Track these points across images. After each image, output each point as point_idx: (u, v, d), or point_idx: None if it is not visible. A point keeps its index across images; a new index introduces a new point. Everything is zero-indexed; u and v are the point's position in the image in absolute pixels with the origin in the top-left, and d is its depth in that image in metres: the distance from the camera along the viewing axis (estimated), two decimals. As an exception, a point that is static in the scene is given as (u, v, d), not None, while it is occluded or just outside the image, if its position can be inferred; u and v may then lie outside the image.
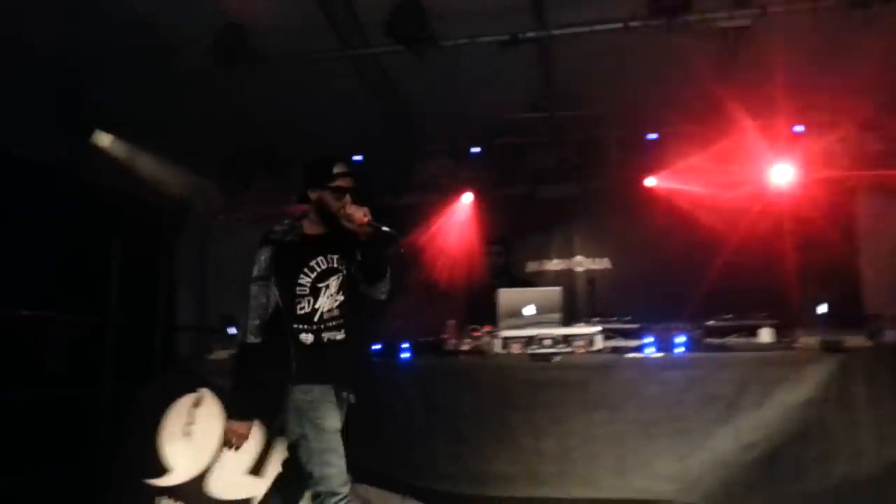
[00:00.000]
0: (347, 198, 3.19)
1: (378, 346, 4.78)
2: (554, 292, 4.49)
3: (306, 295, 3.13)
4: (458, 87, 5.79)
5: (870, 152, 6.29)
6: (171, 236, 6.98)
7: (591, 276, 6.81)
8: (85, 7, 4.38)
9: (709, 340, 4.26)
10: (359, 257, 3.25)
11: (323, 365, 3.11)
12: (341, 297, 3.21)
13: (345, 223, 3.17)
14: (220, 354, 5.06)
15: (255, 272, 3.16)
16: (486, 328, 4.45)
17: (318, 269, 3.18)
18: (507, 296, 4.45)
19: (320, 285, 3.16)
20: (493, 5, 4.80)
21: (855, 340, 4.19)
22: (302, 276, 3.14)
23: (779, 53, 4.99)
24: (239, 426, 3.12)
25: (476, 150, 6.71)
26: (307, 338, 3.10)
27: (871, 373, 3.86)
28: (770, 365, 3.93)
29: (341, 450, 3.05)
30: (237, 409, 3.20)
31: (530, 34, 4.90)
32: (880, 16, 4.25)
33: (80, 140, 5.68)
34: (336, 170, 3.23)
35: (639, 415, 4.03)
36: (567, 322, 4.48)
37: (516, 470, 4.03)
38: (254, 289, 3.15)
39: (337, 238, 3.24)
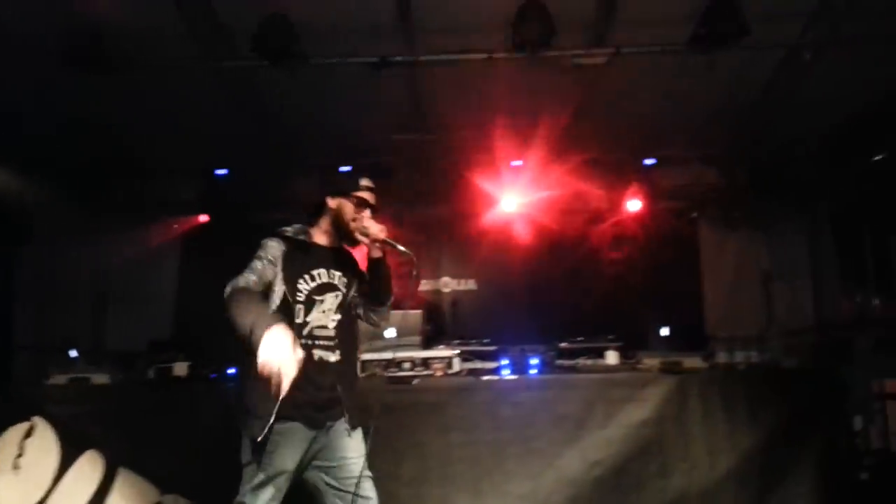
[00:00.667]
0: (367, 212, 3.01)
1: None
2: (414, 315, 4.52)
3: (301, 303, 2.88)
4: (329, 104, 5.75)
5: (713, 185, 6.82)
6: (10, 248, 6.43)
7: (456, 297, 6.92)
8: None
9: (560, 362, 4.42)
10: (365, 278, 3.04)
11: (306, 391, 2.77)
12: (338, 317, 2.95)
13: (358, 236, 2.96)
14: (59, 379, 4.68)
15: (259, 253, 2.87)
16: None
17: (318, 281, 2.94)
18: (367, 318, 4.41)
19: (316, 298, 2.91)
20: (364, 26, 4.82)
21: (692, 362, 4.52)
22: (301, 281, 2.90)
23: (631, 90, 5.36)
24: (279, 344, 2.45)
25: (346, 168, 6.66)
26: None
27: (705, 392, 4.16)
28: (615, 386, 4.14)
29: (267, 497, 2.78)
30: (263, 325, 2.50)
31: (398, 58, 4.96)
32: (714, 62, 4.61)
33: None
34: (363, 182, 3.06)
35: (494, 436, 4.12)
36: (428, 345, 4.52)
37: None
38: (253, 263, 2.84)
39: (344, 255, 3.08)
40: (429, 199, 7.01)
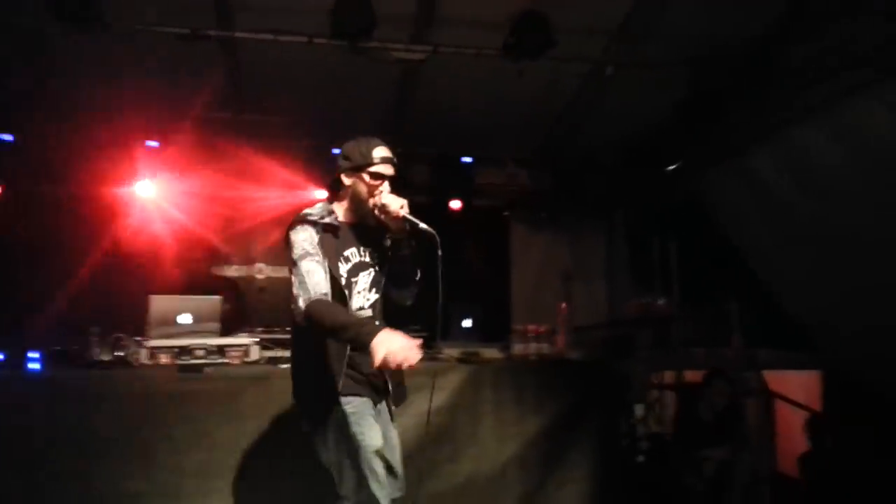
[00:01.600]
0: (385, 186, 2.78)
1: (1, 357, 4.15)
2: (212, 301, 4.32)
3: (343, 287, 2.72)
4: (134, 73, 5.35)
5: (524, 187, 7.17)
6: None
7: (269, 283, 6.74)
8: None
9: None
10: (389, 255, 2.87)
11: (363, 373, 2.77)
12: (374, 296, 2.86)
13: (378, 213, 2.76)
14: None
15: (301, 250, 2.66)
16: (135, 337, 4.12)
17: (353, 261, 2.80)
18: (159, 303, 4.16)
19: (352, 280, 2.78)
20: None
21: (490, 353, 4.73)
22: (339, 264, 2.75)
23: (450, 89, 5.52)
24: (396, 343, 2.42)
25: (153, 143, 6.25)
26: None
27: (498, 382, 4.36)
28: (413, 374, 4.19)
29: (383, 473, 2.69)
30: (366, 334, 2.45)
31: (211, 32, 4.73)
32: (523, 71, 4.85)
33: None
34: (377, 153, 2.78)
35: (290, 424, 4.03)
36: (228, 332, 4.35)
37: (153, 488, 3.76)
38: (305, 265, 2.63)
39: (372, 231, 2.87)
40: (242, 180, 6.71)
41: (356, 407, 2.71)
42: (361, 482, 2.65)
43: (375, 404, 2.85)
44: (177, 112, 5.74)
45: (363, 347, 2.43)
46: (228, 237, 6.95)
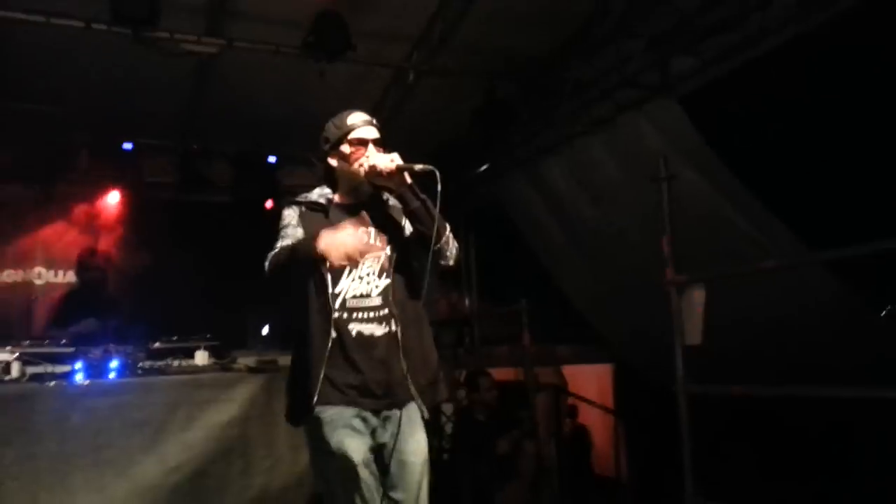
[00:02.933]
0: (371, 148, 2.47)
1: None
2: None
3: (328, 270, 2.39)
4: None
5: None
6: None
7: (49, 290, 6.12)
8: None
9: (148, 364, 4.14)
10: (406, 223, 2.52)
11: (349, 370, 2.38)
12: (384, 282, 2.45)
13: (374, 181, 2.46)
14: None
15: (283, 224, 2.51)
16: None
17: None
18: None
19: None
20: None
21: (286, 359, 4.59)
22: None
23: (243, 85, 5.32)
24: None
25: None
26: (326, 331, 2.37)
27: (293, 389, 4.25)
28: (200, 387, 4.02)
29: (368, 492, 2.31)
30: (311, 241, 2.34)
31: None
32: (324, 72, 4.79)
33: None
34: (351, 119, 2.52)
35: (58, 448, 3.69)
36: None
37: None
38: (287, 230, 2.49)
39: (379, 209, 2.55)
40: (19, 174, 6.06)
41: (330, 416, 2.37)
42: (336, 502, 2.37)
43: (377, 412, 2.42)
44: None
45: (310, 254, 2.32)
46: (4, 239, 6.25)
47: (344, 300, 2.43)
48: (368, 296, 2.45)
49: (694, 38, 4.27)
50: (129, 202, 6.46)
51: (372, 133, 2.54)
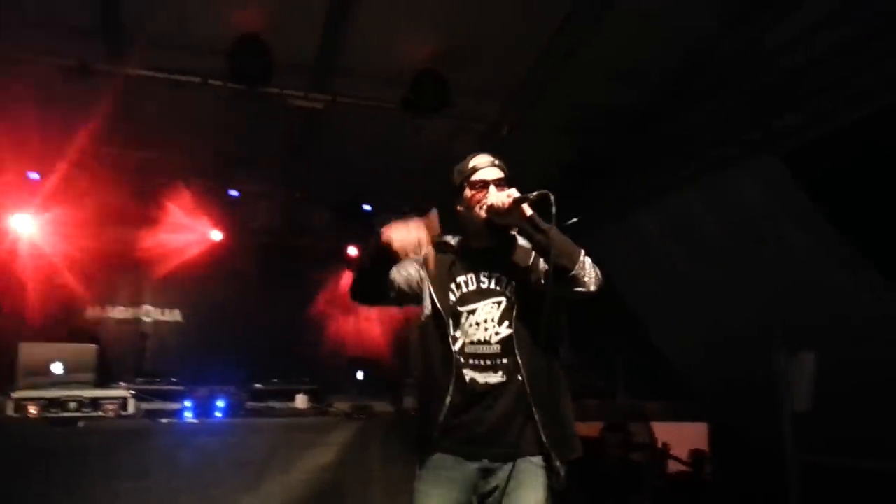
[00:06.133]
0: (492, 189, 2.39)
1: None
2: (87, 349, 4.11)
3: (450, 315, 2.38)
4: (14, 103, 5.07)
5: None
6: None
7: (157, 328, 6.47)
8: None
9: (250, 405, 4.31)
10: (537, 263, 2.40)
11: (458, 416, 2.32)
12: (505, 331, 2.36)
13: (497, 220, 2.37)
14: None
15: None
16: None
17: (465, 290, 2.42)
18: (30, 351, 3.93)
19: (462, 309, 2.39)
20: (62, 25, 4.37)
21: (381, 406, 4.70)
22: (450, 292, 2.42)
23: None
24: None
25: (34, 175, 5.93)
26: (443, 375, 2.34)
27: (386, 436, 4.33)
28: (300, 430, 4.14)
29: None
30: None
31: (102, 67, 4.57)
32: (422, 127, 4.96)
33: None
34: (472, 163, 2.48)
35: (168, 484, 3.86)
36: (106, 382, 4.14)
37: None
38: (406, 262, 2.45)
39: (505, 252, 2.46)
40: (130, 218, 6.46)
41: (431, 461, 2.37)
42: None
43: (482, 461, 2.35)
44: (61, 145, 5.47)
45: (379, 249, 2.29)
46: (111, 278, 6.66)
47: (462, 345, 2.38)
48: (487, 342, 2.37)
49: (800, 95, 4.20)
50: (230, 244, 6.78)
51: (494, 174, 2.46)
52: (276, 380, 4.54)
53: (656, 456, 5.68)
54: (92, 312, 6.60)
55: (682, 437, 6.62)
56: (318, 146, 5.90)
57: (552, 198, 2.26)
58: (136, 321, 6.71)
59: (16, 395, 3.78)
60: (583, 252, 2.32)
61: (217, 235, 6.70)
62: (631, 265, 5.81)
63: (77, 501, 3.72)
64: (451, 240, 2.54)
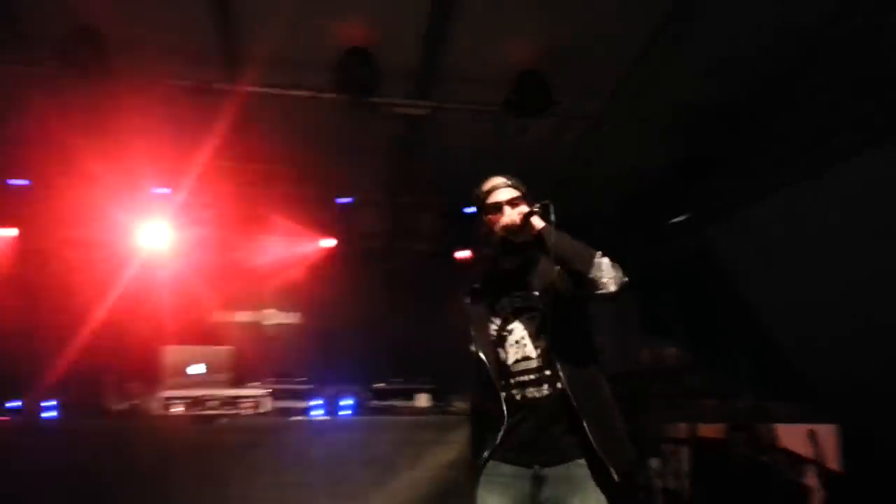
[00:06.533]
0: (506, 210, 2.51)
1: (17, 404, 4.20)
2: (224, 351, 4.39)
3: (496, 345, 2.51)
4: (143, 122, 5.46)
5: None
6: None
7: (279, 330, 6.79)
8: None
9: (374, 403, 4.46)
10: (557, 272, 2.44)
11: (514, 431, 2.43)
12: (543, 343, 2.44)
13: (514, 239, 2.47)
14: None
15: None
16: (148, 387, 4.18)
17: (503, 314, 2.54)
18: (173, 353, 4.23)
19: (504, 332, 2.51)
20: (183, 48, 4.68)
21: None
22: (491, 322, 2.54)
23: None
24: None
25: (163, 190, 6.37)
26: (497, 396, 2.45)
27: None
28: (424, 428, 4.25)
29: None
30: None
31: (218, 86, 4.85)
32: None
33: None
34: (485, 187, 2.59)
35: (301, 479, 4.06)
36: (239, 382, 4.40)
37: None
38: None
39: (530, 265, 2.57)
40: (249, 228, 6.82)
41: (488, 469, 2.48)
42: None
43: (535, 469, 2.41)
44: (187, 161, 5.83)
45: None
46: (233, 284, 7.04)
47: (508, 367, 2.47)
48: (528, 358, 2.46)
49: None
50: (343, 250, 7.04)
51: (507, 194, 2.54)
52: (399, 379, 4.68)
53: (793, 461, 5.42)
54: (217, 317, 7.00)
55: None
56: (423, 151, 6.04)
57: (551, 207, 2.38)
58: (258, 324, 7.06)
59: (162, 394, 4.08)
60: (598, 253, 2.35)
61: (329, 242, 6.96)
62: (751, 262, 5.61)
63: (217, 494, 3.97)
64: (477, 283, 2.65)
